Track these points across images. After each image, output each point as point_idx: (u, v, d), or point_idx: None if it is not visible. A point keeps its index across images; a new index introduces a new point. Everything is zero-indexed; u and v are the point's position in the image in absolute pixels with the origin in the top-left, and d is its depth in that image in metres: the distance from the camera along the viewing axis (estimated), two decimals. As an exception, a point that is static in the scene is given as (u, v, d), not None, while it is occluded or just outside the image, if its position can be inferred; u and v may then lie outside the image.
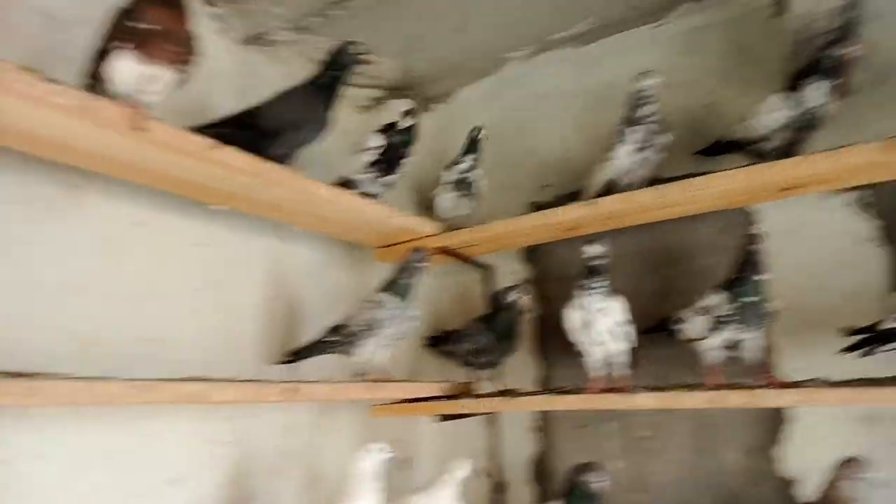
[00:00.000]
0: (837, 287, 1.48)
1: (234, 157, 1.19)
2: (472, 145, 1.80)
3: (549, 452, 1.82)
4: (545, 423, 1.82)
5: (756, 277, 1.30)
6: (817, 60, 1.31)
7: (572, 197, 1.68)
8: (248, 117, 1.34)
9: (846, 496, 1.20)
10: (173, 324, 1.40)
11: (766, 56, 1.63)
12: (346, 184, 1.56)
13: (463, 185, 1.77)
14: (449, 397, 1.66)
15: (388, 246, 1.78)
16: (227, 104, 1.49)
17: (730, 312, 1.29)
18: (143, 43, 1.01)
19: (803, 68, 1.34)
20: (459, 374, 1.78)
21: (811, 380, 1.27)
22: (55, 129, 1.02)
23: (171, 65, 1.05)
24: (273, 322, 1.64)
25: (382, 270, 1.81)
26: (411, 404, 1.64)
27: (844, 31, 1.29)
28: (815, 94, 1.29)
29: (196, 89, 1.38)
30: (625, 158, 1.50)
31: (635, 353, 1.47)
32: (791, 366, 1.48)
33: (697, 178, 1.36)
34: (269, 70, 1.80)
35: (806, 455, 1.47)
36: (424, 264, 1.47)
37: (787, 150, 1.34)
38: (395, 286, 1.46)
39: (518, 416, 1.86)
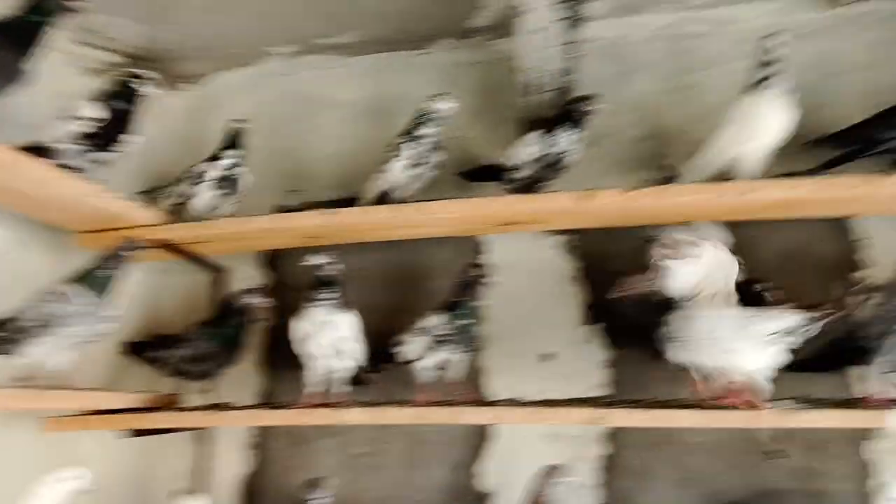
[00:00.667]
0: (541, 318, 1.65)
1: None
2: (236, 139, 1.65)
3: (265, 470, 1.71)
4: (263, 440, 1.72)
5: (473, 302, 1.38)
6: (569, 111, 1.45)
7: (328, 205, 1.64)
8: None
9: (549, 500, 1.31)
10: None
11: (509, 101, 1.79)
12: (39, 151, 1.30)
13: (226, 183, 1.61)
14: (146, 409, 1.47)
15: (96, 231, 1.52)
16: None
17: (446, 333, 1.35)
18: None
19: (558, 115, 1.47)
20: (167, 386, 1.60)
21: (505, 399, 1.38)
22: None
23: None
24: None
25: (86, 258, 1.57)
26: (98, 417, 1.40)
27: (564, 92, 1.46)
28: (565, 139, 1.43)
29: None
30: (399, 173, 1.51)
31: (366, 370, 1.46)
32: (498, 386, 1.61)
33: (431, 203, 1.41)
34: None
35: (503, 470, 1.59)
36: (129, 255, 1.28)
37: (533, 184, 1.46)
38: (90, 278, 1.24)
39: (234, 432, 1.72)
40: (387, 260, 1.74)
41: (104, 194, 1.37)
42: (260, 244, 1.72)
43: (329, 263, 1.38)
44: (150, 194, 1.68)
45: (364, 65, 1.91)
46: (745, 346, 1.15)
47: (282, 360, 1.73)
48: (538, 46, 1.30)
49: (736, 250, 1.57)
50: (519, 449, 1.58)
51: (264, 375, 1.75)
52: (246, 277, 1.78)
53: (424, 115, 1.51)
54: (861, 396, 1.29)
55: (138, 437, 1.52)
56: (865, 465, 1.44)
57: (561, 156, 1.43)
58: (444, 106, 1.51)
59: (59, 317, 1.19)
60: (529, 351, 1.63)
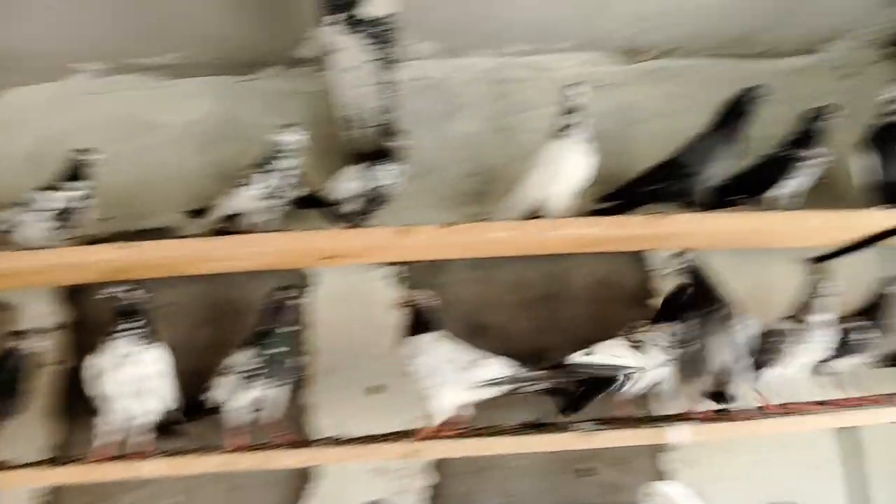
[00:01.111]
0: (369, 350, 1.63)
1: None
2: (82, 170, 1.47)
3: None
4: (55, 500, 1.52)
5: (283, 329, 1.34)
6: (387, 147, 1.47)
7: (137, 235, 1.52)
8: None
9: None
10: None
11: (334, 132, 1.78)
12: None
13: (65, 216, 1.42)
14: None
15: None
16: None
17: (256, 367, 1.28)
18: None
19: (378, 150, 1.49)
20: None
21: (324, 438, 1.35)
22: None
23: None
24: None
25: None
26: None
27: (386, 128, 1.49)
28: (385, 173, 1.45)
29: None
30: (247, 202, 1.43)
31: (176, 416, 1.35)
32: (325, 423, 1.57)
33: (248, 236, 1.36)
34: None
35: (331, 507, 1.55)
36: None
37: (356, 216, 1.46)
38: None
39: (17, 494, 1.51)
40: (204, 294, 1.64)
41: None
42: (57, 279, 1.55)
43: (129, 290, 1.27)
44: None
45: (189, 87, 1.81)
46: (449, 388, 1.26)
47: (82, 408, 1.56)
48: (352, 84, 1.31)
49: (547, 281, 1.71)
50: (345, 486, 1.55)
51: (58, 426, 1.56)
52: (38, 315, 1.59)
53: (278, 147, 1.46)
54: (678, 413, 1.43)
55: None
56: (662, 475, 1.59)
57: (382, 189, 1.45)
58: (292, 138, 1.47)
59: None
60: (357, 384, 1.62)
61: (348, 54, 1.21)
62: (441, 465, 1.58)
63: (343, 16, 1.13)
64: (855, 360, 1.44)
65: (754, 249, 1.66)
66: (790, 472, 1.63)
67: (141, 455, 1.24)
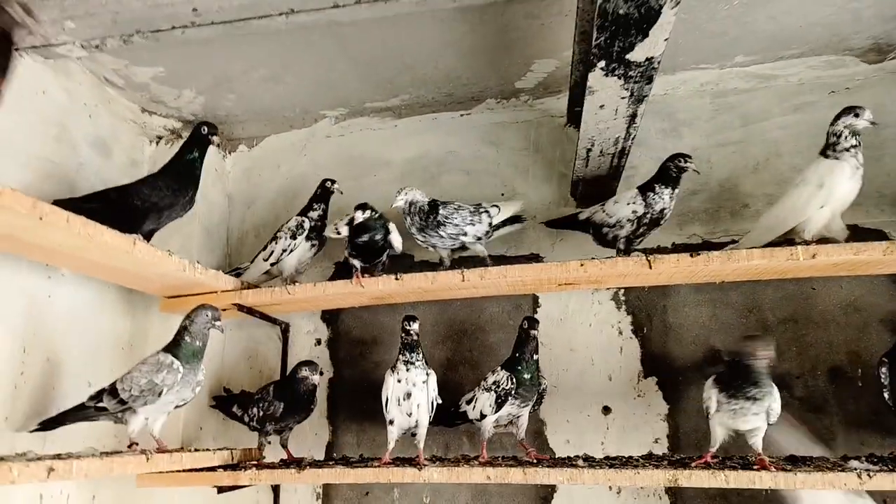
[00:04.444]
0: (598, 371, 1.70)
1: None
2: (323, 196, 1.73)
3: (332, 520, 1.78)
4: (327, 489, 1.78)
5: (530, 356, 1.44)
6: (666, 169, 1.47)
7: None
8: (119, 196, 1.42)
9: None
10: None
11: (555, 157, 1.86)
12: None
13: (314, 235, 1.69)
14: (230, 467, 1.54)
15: (177, 297, 1.61)
16: None
17: (509, 388, 1.41)
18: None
19: (656, 173, 1.49)
20: (243, 436, 1.69)
21: (574, 458, 1.43)
22: None
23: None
24: (27, 377, 1.39)
25: (166, 320, 1.66)
26: (185, 474, 1.47)
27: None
28: (665, 197, 1.45)
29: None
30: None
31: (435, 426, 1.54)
32: (558, 440, 1.66)
33: (495, 268, 1.46)
34: (50, 82, 1.58)
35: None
36: (217, 326, 1.35)
37: (630, 240, 1.49)
38: (183, 348, 1.32)
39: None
40: (440, 315, 1.80)
41: (189, 268, 1.45)
42: (323, 304, 1.80)
43: (413, 325, 1.46)
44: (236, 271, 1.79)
45: (409, 127, 1.98)
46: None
47: (343, 413, 1.82)
48: (602, 118, 1.35)
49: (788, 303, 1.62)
50: (584, 500, 1.63)
51: (329, 428, 1.82)
52: (308, 331, 1.87)
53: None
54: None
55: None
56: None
57: (661, 213, 1.45)
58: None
59: (160, 385, 1.27)
60: (583, 404, 1.68)
61: (606, 93, 1.25)
62: (675, 492, 1.59)
63: (614, 62, 1.17)
64: None
65: None
66: None
67: (416, 462, 1.41)
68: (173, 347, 1.33)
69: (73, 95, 1.65)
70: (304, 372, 1.52)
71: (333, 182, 1.73)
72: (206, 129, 1.53)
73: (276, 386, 1.60)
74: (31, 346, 1.41)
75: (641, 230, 1.47)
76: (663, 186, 1.45)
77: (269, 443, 1.69)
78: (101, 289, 1.65)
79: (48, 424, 1.31)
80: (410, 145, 1.98)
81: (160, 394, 1.27)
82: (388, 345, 1.80)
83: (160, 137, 1.99)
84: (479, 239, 1.57)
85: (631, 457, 1.49)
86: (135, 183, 1.48)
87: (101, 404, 1.29)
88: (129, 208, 1.39)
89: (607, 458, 1.49)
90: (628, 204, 1.47)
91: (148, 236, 1.45)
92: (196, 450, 1.58)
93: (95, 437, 1.55)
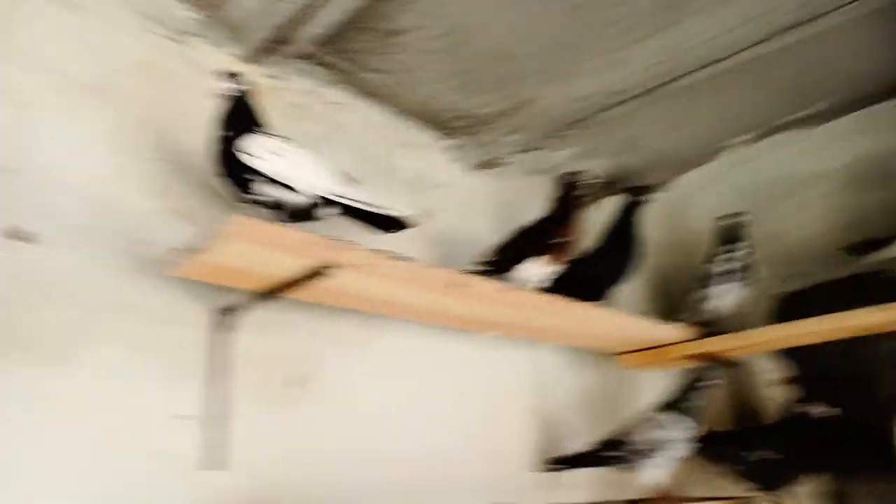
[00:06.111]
0: None
1: (532, 297, 1.25)
2: (737, 232, 1.73)
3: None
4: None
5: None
6: None
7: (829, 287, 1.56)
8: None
9: None
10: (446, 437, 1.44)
11: None
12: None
13: (739, 275, 1.69)
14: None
15: (633, 352, 1.74)
16: (454, 224, 1.63)
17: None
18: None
19: None
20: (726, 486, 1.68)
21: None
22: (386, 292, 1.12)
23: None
24: (535, 432, 1.64)
25: (624, 374, 1.78)
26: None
27: None
28: None
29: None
30: None
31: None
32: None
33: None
34: (492, 188, 1.90)
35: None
36: (713, 384, 1.41)
37: None
38: (679, 407, 1.41)
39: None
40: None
41: (641, 322, 1.55)
42: (783, 343, 1.69)
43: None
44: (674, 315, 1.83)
45: (833, 131, 1.78)
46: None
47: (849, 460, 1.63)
48: None
49: None
50: None
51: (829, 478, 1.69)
52: (764, 370, 1.79)
53: None
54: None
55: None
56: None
57: None
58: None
59: (661, 441, 1.37)
60: None
61: None
62: None
63: None
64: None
65: None
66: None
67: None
68: (667, 407, 1.45)
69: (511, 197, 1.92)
70: (803, 408, 1.46)
71: (745, 214, 1.69)
72: (634, 194, 1.63)
73: (767, 427, 1.57)
74: (534, 408, 1.67)
75: None
76: None
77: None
78: (574, 356, 1.83)
79: (559, 465, 1.50)
80: (839, 152, 1.78)
81: (661, 448, 1.38)
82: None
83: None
84: None
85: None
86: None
87: (610, 453, 1.44)
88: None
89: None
90: None
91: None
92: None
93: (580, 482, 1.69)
